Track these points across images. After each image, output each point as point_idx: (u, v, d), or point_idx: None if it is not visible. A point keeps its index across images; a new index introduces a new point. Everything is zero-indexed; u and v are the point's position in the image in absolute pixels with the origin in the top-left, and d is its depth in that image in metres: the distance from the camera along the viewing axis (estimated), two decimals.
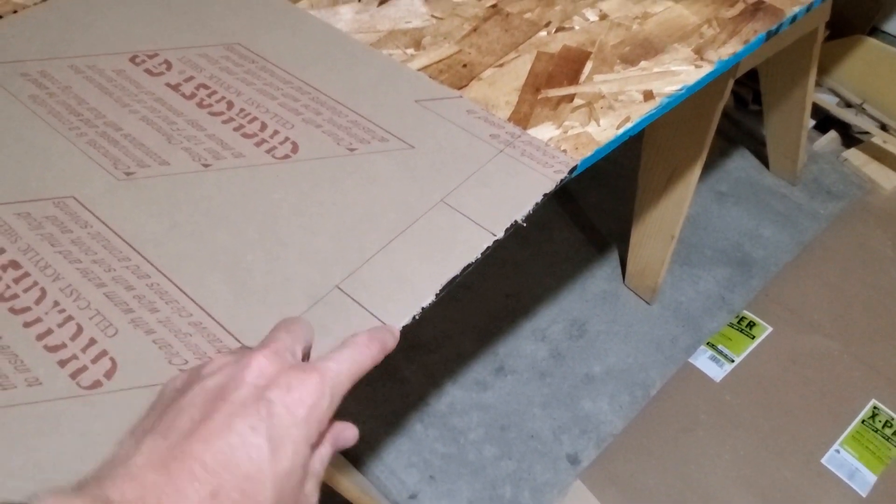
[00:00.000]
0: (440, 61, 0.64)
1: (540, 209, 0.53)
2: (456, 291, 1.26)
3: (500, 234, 0.50)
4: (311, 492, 0.35)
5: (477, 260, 0.49)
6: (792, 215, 1.38)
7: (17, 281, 0.47)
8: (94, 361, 0.43)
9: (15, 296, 0.46)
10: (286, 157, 0.54)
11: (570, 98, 0.61)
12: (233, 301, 0.46)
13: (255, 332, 0.44)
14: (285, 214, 0.51)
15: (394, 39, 0.66)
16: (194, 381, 0.34)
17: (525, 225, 0.51)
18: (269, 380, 0.33)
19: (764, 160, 1.45)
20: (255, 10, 0.67)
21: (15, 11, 0.66)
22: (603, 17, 0.69)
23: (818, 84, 1.49)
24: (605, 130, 0.58)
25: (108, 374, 0.42)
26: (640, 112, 0.60)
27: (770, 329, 1.22)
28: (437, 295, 0.47)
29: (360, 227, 0.50)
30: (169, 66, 0.61)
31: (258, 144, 0.55)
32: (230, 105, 0.58)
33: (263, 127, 0.56)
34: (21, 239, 0.49)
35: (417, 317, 0.46)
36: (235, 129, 0.56)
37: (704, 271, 1.30)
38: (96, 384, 0.42)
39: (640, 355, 1.20)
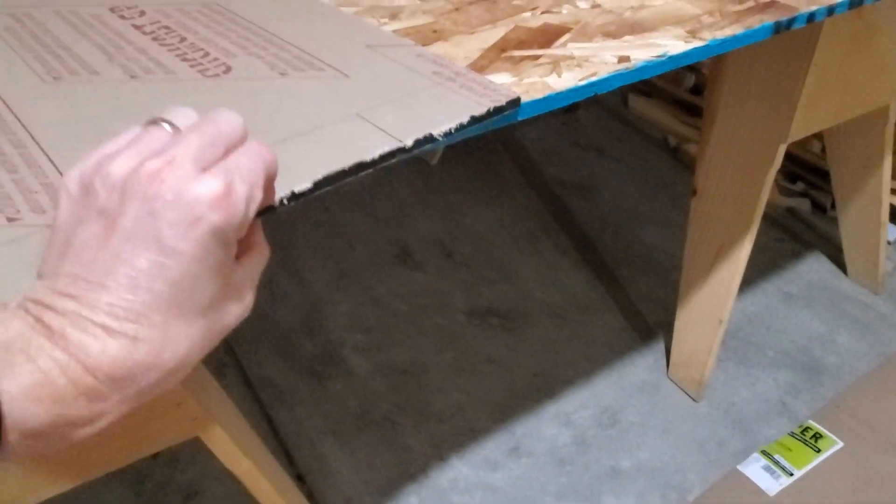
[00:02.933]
0: (411, 27, 0.62)
1: (466, 133, 0.47)
2: (479, 364, 1.17)
3: (409, 143, 0.44)
4: (238, 296, 0.35)
5: (374, 161, 0.43)
6: (872, 324, 1.21)
7: None
8: None
9: None
10: (215, 76, 0.52)
11: (536, 58, 0.57)
12: None
13: None
14: None
15: (372, 12, 0.64)
16: (93, 204, 0.31)
17: (441, 139, 0.46)
18: (165, 202, 0.30)
19: (842, 266, 1.31)
20: None
21: None
22: (595, 6, 0.65)
23: None
24: (564, 81, 0.53)
25: None
26: (609, 70, 0.54)
27: (840, 444, 1.04)
28: (315, 183, 0.41)
29: (260, 127, 0.46)
30: (142, 13, 0.62)
31: (193, 66, 0.54)
32: (182, 39, 0.57)
33: (205, 55, 0.55)
34: None
35: (286, 201, 0.41)
36: (178, 56, 0.55)
37: (764, 373, 1.15)
38: None
39: (679, 455, 1.04)
